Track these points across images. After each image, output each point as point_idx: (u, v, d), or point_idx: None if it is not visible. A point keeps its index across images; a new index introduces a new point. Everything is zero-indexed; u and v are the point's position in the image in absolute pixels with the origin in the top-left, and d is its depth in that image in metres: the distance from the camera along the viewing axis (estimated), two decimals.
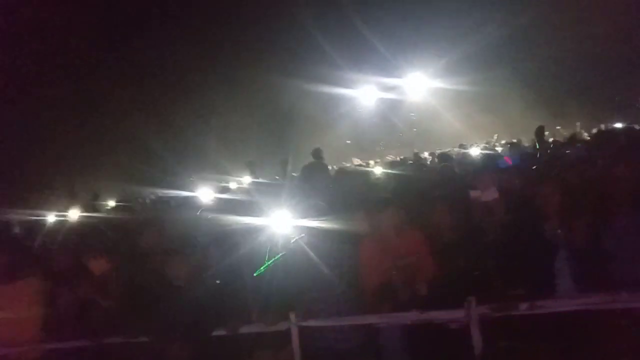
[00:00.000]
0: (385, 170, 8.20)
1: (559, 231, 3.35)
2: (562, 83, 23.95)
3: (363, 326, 3.43)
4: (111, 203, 7.94)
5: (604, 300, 2.83)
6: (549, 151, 7.03)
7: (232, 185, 9.95)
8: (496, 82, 22.11)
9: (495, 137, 14.50)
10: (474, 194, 3.73)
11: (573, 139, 8.61)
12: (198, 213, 5.28)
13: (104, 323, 3.46)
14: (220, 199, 6.07)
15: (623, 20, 22.05)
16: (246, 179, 9.02)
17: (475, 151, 10.15)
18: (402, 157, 14.50)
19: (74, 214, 7.48)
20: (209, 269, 3.63)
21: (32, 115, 17.58)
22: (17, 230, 7.42)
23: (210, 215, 4.73)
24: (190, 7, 21.60)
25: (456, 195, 4.11)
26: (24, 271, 3.68)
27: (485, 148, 10.65)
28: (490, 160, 5.93)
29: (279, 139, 21.55)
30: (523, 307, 3.00)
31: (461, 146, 13.09)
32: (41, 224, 7.58)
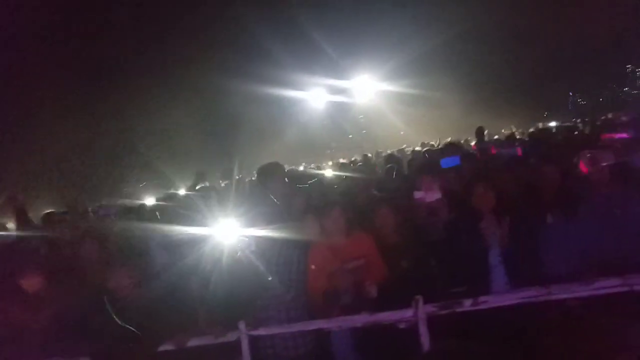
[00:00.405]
0: (334, 173, 8.27)
1: (493, 229, 3.52)
2: (504, 85, 25.23)
3: (313, 331, 3.42)
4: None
5: (540, 293, 2.99)
6: (487, 151, 7.33)
7: (180, 192, 9.67)
8: (442, 85, 22.98)
9: (439, 138, 15.07)
10: (417, 195, 3.82)
11: (510, 139, 9.05)
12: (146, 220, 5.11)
13: (39, 346, 3.24)
14: (166, 206, 5.88)
15: (555, 27, 23.59)
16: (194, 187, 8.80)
17: (421, 152, 10.43)
18: (352, 159, 14.70)
19: (4, 227, 6.97)
20: (154, 280, 3.50)
21: None
22: None
23: (154, 224, 4.57)
24: (134, 8, 20.80)
25: (401, 196, 4.20)
26: None
27: (430, 149, 10.97)
28: (433, 161, 6.11)
29: (228, 143, 21.24)
30: (467, 304, 3.10)
31: (408, 147, 13.47)
32: None
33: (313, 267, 3.53)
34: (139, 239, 4.19)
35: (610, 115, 11.12)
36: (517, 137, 10.98)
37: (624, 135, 6.08)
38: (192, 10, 22.11)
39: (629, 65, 31.99)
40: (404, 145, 16.01)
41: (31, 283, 3.35)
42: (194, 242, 3.60)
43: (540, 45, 24.81)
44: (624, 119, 9.33)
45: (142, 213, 6.74)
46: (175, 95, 21.29)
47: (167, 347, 3.34)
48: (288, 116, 25.17)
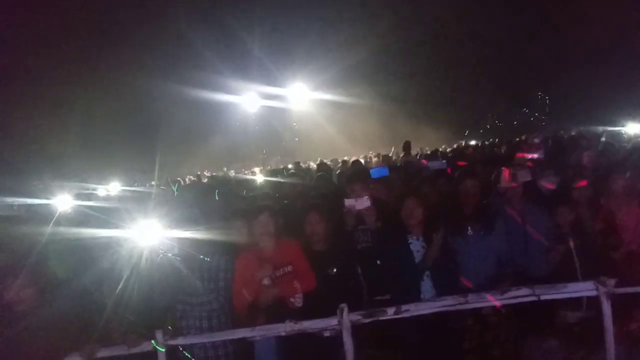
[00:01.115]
0: (265, 178, 8.18)
1: (420, 239, 3.64)
2: (430, 103, 26.65)
3: (236, 340, 3.30)
4: None
5: (458, 302, 3.11)
6: (413, 164, 7.63)
7: (100, 192, 9.07)
8: (373, 96, 23.76)
9: (371, 152, 15.52)
10: (348, 202, 3.84)
11: (435, 154, 9.48)
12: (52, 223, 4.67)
13: None
14: (80, 207, 5.45)
15: (476, 54, 25.43)
16: (113, 186, 8.31)
17: (351, 162, 10.62)
18: (284, 165, 14.66)
19: None
20: (60, 287, 3.20)
21: None
22: None
23: (65, 226, 4.20)
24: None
25: (330, 204, 4.21)
26: None
27: (361, 159, 11.21)
28: (363, 171, 6.22)
29: (152, 143, 20.32)
30: (390, 312, 3.15)
31: (340, 157, 13.71)
32: None
33: (239, 273, 3.42)
34: (45, 243, 3.80)
35: (523, 137, 12.04)
36: (441, 152, 11.53)
37: (535, 155, 6.59)
38: (120, 8, 21.05)
39: (539, 93, 35.19)
40: (334, 157, 16.29)
41: None
42: (109, 245, 3.34)
43: (464, 69, 26.61)
44: (536, 140, 10.14)
45: (49, 214, 6.21)
46: (96, 92, 20.05)
47: (75, 359, 3.07)
48: (219, 120, 24.68)
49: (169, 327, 3.17)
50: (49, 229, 3.89)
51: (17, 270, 3.10)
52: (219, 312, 3.32)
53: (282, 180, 7.05)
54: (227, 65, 21.19)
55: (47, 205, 6.84)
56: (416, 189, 4.26)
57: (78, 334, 3.12)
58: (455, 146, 15.10)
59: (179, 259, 3.25)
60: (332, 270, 3.57)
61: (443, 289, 3.41)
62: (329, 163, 11.82)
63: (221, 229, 3.50)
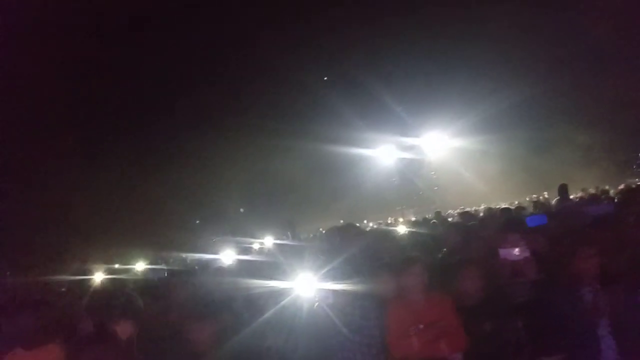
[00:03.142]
0: (409, 229, 8.10)
1: (598, 293, 3.21)
2: (587, 143, 23.90)
3: None
4: (139, 266, 8.00)
5: None
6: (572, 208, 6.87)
7: (255, 246, 9.96)
8: (518, 141, 22.24)
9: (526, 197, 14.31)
10: (502, 253, 3.63)
11: (596, 197, 8.41)
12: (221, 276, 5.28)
13: None
14: (243, 260, 6.07)
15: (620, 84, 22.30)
16: (268, 241, 9.05)
17: (499, 210, 9.98)
18: (424, 216, 14.38)
19: (98, 277, 7.54)
20: (232, 333, 3.56)
21: (49, 178, 18.17)
22: (40, 294, 7.43)
23: (233, 278, 4.70)
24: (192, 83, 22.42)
25: (481, 255, 4.02)
26: (47, 336, 3.63)
27: (510, 207, 10.47)
28: (517, 219, 5.80)
29: (302, 200, 21.79)
30: None
31: (485, 205, 12.99)
32: (65, 287, 7.63)
33: (392, 326, 3.41)
34: (218, 293, 4.29)
35: None
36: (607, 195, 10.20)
37: None
38: (253, 73, 23.52)
39: None
40: (478, 206, 15.44)
41: (124, 330, 3.52)
42: (273, 296, 3.64)
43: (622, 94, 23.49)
44: None
45: (219, 267, 6.97)
46: (251, 156, 22.38)
47: None
48: (356, 174, 25.45)
49: None
50: (223, 280, 4.41)
51: (198, 315, 3.56)
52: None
53: (424, 231, 6.94)
54: (361, 119, 22.08)
55: (215, 259, 7.73)
56: (584, 235, 3.81)
57: None
58: (622, 186, 13.17)
59: (332, 308, 3.39)
60: (487, 326, 3.36)
61: (628, 351, 2.93)
62: (473, 211, 11.28)
63: (370, 281, 3.57)
